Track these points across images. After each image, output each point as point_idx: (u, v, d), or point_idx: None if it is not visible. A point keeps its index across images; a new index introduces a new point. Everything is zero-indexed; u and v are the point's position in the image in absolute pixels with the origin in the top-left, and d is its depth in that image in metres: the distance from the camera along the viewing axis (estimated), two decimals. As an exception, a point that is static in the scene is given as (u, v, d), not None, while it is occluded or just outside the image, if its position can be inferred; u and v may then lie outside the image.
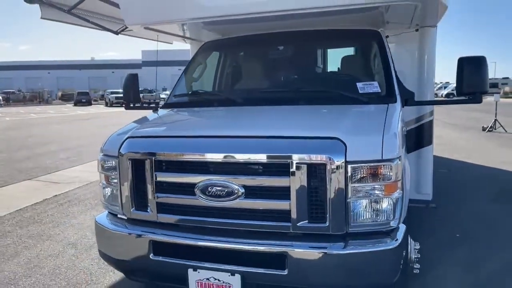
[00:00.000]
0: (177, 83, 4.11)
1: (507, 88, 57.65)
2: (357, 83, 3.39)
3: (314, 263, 2.41)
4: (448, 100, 3.94)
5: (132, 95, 4.29)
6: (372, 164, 2.40)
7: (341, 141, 2.41)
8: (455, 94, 3.49)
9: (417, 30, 4.51)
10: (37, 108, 45.18)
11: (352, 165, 2.38)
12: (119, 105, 47.71)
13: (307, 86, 3.64)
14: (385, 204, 2.46)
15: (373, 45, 3.79)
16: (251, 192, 2.51)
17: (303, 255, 2.42)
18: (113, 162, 2.94)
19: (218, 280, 2.55)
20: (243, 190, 2.51)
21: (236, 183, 2.52)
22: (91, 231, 5.14)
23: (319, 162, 2.39)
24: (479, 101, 3.33)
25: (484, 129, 15.70)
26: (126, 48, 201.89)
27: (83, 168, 9.75)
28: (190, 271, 2.59)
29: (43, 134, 17.19)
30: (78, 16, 6.25)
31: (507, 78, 65.42)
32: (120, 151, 2.86)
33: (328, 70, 4.24)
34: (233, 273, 2.51)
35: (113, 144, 2.97)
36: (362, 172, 2.41)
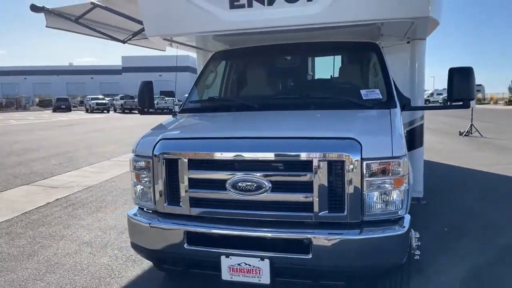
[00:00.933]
0: (192, 90, 4.42)
1: (479, 95, 59.85)
2: (361, 90, 3.79)
3: (335, 248, 2.76)
4: (440, 106, 4.38)
5: (147, 101, 4.56)
6: (383, 161, 2.78)
7: (357, 141, 2.78)
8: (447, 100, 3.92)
9: (408, 42, 4.96)
10: (15, 114, 44.39)
11: (367, 162, 2.75)
12: (100, 111, 47.48)
13: (315, 93, 4.03)
14: (394, 196, 2.84)
15: (373, 56, 4.20)
16: (278, 186, 2.85)
17: (325, 240, 2.76)
18: (146, 162, 3.24)
19: (249, 265, 2.86)
20: (270, 185, 2.85)
21: (264, 178, 2.85)
22: (103, 231, 5.40)
23: (339, 159, 2.76)
24: (467, 106, 3.77)
25: (461, 133, 16.46)
26: (104, 54, 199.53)
27: (78, 173, 9.86)
28: (222, 258, 2.90)
29: (29, 140, 17.07)
30: (85, 25, 6.50)
31: (480, 85, 67.85)
32: (154, 151, 3.16)
33: (332, 79, 4.60)
34: (262, 258, 2.83)
35: (146, 146, 3.26)
36: (375, 168, 2.78)
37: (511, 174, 8.73)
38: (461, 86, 3.71)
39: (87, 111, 49.26)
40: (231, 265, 2.90)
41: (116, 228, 5.53)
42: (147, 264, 4.35)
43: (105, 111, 47.80)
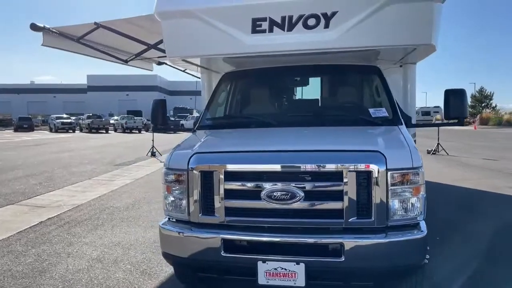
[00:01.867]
0: (207, 108, 4.65)
1: (438, 116, 62.84)
2: (369, 109, 4.16)
3: (365, 251, 3.03)
4: (438, 123, 4.82)
5: (160, 119, 4.74)
6: (405, 171, 3.11)
7: (381, 153, 3.10)
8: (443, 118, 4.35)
9: (401, 66, 5.42)
10: (-26, 134, 42.42)
11: (391, 172, 3.07)
12: (65, 130, 46.18)
13: (327, 111, 4.36)
14: (414, 203, 3.16)
15: (375, 78, 4.60)
16: (310, 195, 3.11)
17: (356, 244, 3.03)
18: (179, 175, 3.42)
19: (285, 269, 3.08)
20: (303, 194, 3.11)
21: (297, 188, 3.11)
22: (108, 248, 5.44)
23: (367, 170, 3.06)
24: (462, 124, 4.22)
25: (429, 152, 17.38)
26: (66, 72, 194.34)
27: (62, 192, 9.71)
28: (259, 263, 3.11)
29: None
30: (88, 45, 6.62)
31: (438, 107, 71.35)
32: (189, 165, 3.35)
33: (339, 98, 4.95)
34: (298, 262, 3.06)
35: (179, 160, 3.45)
36: (398, 177, 3.10)
37: (482, 188, 9.39)
38: (456, 106, 4.16)
39: (51, 130, 47.79)
40: (267, 270, 3.10)
41: (121, 245, 5.57)
42: (163, 276, 4.47)
43: (71, 131, 46.59)
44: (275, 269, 3.10)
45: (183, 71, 10.91)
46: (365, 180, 3.08)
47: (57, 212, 7.62)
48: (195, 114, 58.60)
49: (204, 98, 5.83)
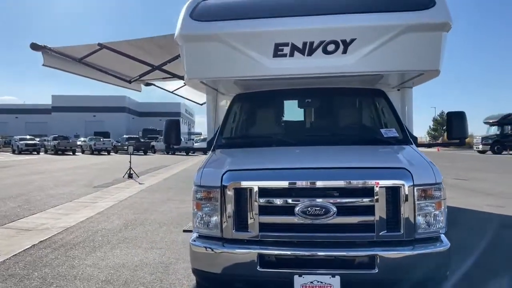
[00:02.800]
0: (222, 128, 4.76)
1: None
2: (381, 130, 4.42)
3: (396, 262, 3.21)
4: (441, 143, 5.13)
5: (174, 138, 4.82)
6: (429, 187, 3.34)
7: (408, 170, 3.33)
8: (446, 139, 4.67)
9: (398, 90, 5.76)
10: None
11: (417, 187, 3.30)
12: (29, 152, 44.46)
13: (343, 131, 4.59)
14: (438, 216, 3.38)
15: (381, 100, 4.90)
16: (343, 210, 3.28)
17: (388, 257, 3.20)
18: (210, 192, 3.51)
19: (321, 282, 3.20)
20: (336, 209, 3.27)
21: (331, 204, 3.27)
22: (114, 269, 5.36)
23: (396, 186, 3.27)
24: (464, 143, 4.55)
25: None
26: (29, 93, 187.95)
27: (45, 215, 9.40)
28: (295, 277, 3.21)
29: (-34, 183, 15.73)
30: (92, 66, 6.62)
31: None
32: (222, 182, 3.45)
33: (349, 118, 5.20)
34: (333, 275, 3.19)
35: (211, 178, 3.54)
36: (423, 192, 3.33)
37: (463, 206, 9.86)
38: (458, 127, 4.49)
39: (14, 152, 45.87)
40: (304, 283, 3.22)
41: (127, 266, 5.49)
42: (181, 296, 4.45)
43: (35, 152, 44.90)
44: (311, 282, 3.21)
45: (172, 92, 11.03)
46: (394, 195, 3.29)
47: (47, 235, 7.37)
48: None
49: (210, 117, 5.94)
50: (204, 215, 3.57)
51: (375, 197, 3.24)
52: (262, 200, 3.36)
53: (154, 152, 47.35)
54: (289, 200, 3.34)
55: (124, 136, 50.26)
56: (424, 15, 3.94)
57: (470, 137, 38.84)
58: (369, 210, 3.27)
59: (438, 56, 4.12)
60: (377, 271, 3.17)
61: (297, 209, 3.29)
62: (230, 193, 3.42)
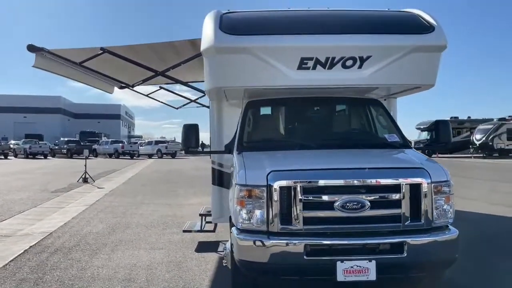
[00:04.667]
0: (241, 133, 5.09)
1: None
2: (385, 135, 5.06)
3: (421, 247, 3.80)
4: (430, 147, 5.88)
5: (193, 142, 5.11)
6: (442, 183, 3.99)
7: (426, 170, 3.96)
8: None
9: (385, 99, 6.48)
10: None
11: (434, 184, 3.93)
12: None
13: (355, 136, 5.19)
14: (448, 208, 4.04)
15: (378, 109, 5.54)
16: (375, 204, 3.82)
17: (414, 243, 3.78)
18: (256, 191, 3.89)
19: (359, 266, 3.71)
20: (369, 204, 3.80)
21: (365, 199, 3.80)
22: (129, 269, 5.52)
23: (418, 183, 3.88)
24: (449, 147, 5.35)
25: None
26: None
27: (15, 221, 9.11)
28: (338, 263, 3.70)
29: None
30: (89, 68, 6.64)
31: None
32: (268, 182, 3.85)
33: (355, 124, 5.79)
34: (370, 260, 3.71)
35: (256, 178, 3.92)
36: (438, 188, 3.96)
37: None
38: (445, 133, 5.25)
39: None
40: (345, 268, 3.70)
41: (139, 266, 5.64)
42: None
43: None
44: (351, 267, 3.71)
45: (146, 95, 11.07)
46: (416, 191, 3.89)
47: (33, 240, 7.19)
48: (104, 138, 56.02)
49: (214, 122, 6.26)
50: (248, 211, 3.93)
51: (402, 193, 3.83)
52: (305, 197, 3.80)
53: (96, 156, 45.51)
54: (330, 197, 3.82)
55: (62, 139, 47.71)
56: (427, 38, 4.63)
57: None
58: (397, 203, 3.84)
59: (435, 73, 4.85)
60: (405, 255, 3.74)
61: (336, 204, 3.78)
62: (275, 191, 3.82)
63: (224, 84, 4.83)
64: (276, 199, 3.83)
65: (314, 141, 4.91)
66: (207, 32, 4.70)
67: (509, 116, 38.85)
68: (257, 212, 3.90)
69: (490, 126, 37.16)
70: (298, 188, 3.80)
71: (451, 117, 39.99)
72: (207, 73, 5.02)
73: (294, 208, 3.82)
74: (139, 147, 47.50)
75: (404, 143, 5.02)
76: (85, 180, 17.37)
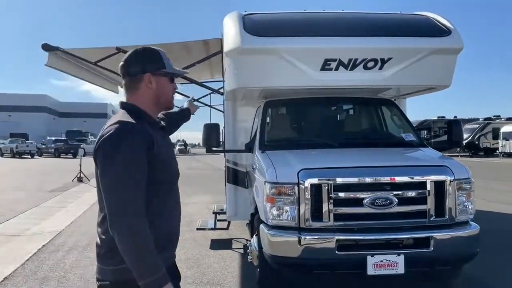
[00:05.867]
0: (262, 132, 5.20)
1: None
2: (402, 134, 5.23)
3: (445, 242, 3.97)
4: (446, 147, 6.05)
5: (214, 141, 5.22)
6: (464, 180, 4.16)
7: (449, 168, 4.13)
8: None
9: (395, 99, 6.65)
10: None
11: (457, 181, 4.10)
12: None
13: (374, 135, 5.36)
14: (469, 205, 4.22)
15: (393, 109, 5.71)
16: (403, 201, 3.98)
17: (440, 237, 3.95)
18: (287, 188, 4.01)
19: (388, 260, 3.86)
20: (397, 200, 3.96)
21: (393, 196, 3.95)
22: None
23: (442, 180, 4.04)
24: (461, 146, 5.55)
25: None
26: None
27: (20, 220, 9.09)
28: (368, 257, 3.84)
29: None
30: (104, 68, 6.65)
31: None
32: (299, 179, 3.97)
33: (372, 124, 5.95)
34: (399, 254, 3.86)
35: (286, 175, 4.04)
36: (460, 185, 4.13)
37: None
38: (456, 133, 5.44)
39: None
40: (375, 262, 3.85)
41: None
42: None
43: None
44: (381, 261, 3.85)
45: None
46: (440, 187, 4.05)
47: (44, 240, 7.17)
48: (91, 138, 55.37)
49: (229, 121, 6.35)
50: (279, 209, 4.05)
51: (428, 189, 3.99)
52: (336, 194, 3.93)
53: (84, 155, 44.89)
54: (359, 194, 3.96)
55: (50, 138, 47.02)
56: (445, 41, 4.80)
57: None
58: (423, 200, 4.00)
59: (452, 74, 5.03)
60: (432, 249, 3.91)
61: (365, 200, 3.92)
62: (306, 188, 3.94)
63: (249, 84, 4.93)
64: (307, 196, 3.95)
65: (336, 140, 5.04)
66: (231, 33, 4.79)
67: (494, 116, 39.74)
68: (288, 209, 4.02)
69: (476, 126, 37.89)
70: (329, 186, 3.93)
71: (438, 117, 40.49)
72: (230, 73, 5.10)
73: (325, 204, 3.95)
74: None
75: (420, 142, 5.20)
76: (80, 180, 17.26)
